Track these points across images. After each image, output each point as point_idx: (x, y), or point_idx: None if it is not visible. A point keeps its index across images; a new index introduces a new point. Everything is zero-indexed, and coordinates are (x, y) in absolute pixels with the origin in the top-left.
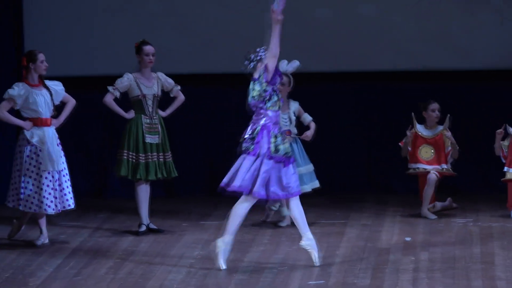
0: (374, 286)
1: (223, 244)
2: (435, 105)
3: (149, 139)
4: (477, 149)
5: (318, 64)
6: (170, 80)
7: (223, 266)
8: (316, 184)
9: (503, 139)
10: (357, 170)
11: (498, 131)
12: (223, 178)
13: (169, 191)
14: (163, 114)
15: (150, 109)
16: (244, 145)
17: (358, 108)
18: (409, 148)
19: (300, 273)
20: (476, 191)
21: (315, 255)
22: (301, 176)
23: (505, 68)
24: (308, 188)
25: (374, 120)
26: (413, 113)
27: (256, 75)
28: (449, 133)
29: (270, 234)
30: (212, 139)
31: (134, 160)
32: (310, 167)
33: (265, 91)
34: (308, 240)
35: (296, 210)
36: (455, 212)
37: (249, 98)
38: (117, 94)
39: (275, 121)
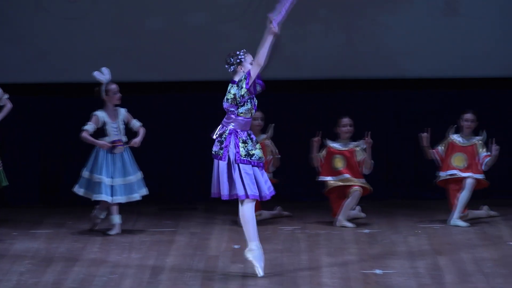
0: None
1: (252, 253)
2: (257, 114)
3: None
4: (304, 158)
5: (149, 74)
6: None
7: (261, 273)
8: (145, 191)
9: (319, 150)
10: (187, 178)
11: (313, 139)
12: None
13: None
14: None
15: None
16: (214, 149)
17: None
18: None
19: (130, 281)
20: (302, 199)
21: (257, 267)
22: (131, 184)
23: (335, 78)
24: (137, 196)
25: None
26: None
27: (236, 78)
28: (270, 143)
29: (99, 243)
30: (45, 150)
31: None
32: (140, 174)
33: (242, 96)
34: (250, 251)
35: (249, 214)
36: (283, 220)
37: (224, 100)
38: None
39: (243, 127)
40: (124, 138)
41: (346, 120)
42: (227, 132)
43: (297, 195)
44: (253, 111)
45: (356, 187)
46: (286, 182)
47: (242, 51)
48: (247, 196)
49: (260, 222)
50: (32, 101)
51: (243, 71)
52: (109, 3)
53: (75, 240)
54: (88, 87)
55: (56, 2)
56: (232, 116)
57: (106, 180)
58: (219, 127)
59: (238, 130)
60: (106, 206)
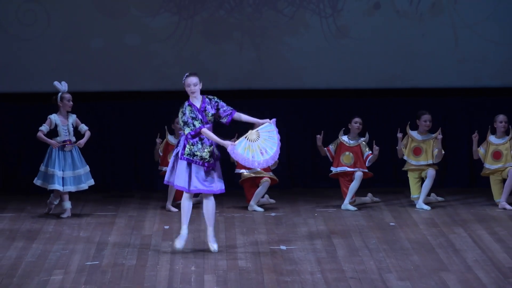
0: (139, 265)
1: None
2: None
3: None
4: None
5: (91, 84)
6: None
7: (177, 246)
8: (91, 182)
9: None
10: (126, 171)
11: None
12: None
13: None
14: None
15: None
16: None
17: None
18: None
19: (79, 255)
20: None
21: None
22: (79, 176)
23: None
24: (85, 186)
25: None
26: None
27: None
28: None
29: (53, 224)
30: (3, 145)
31: None
32: (87, 168)
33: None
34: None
35: (208, 205)
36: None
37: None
38: None
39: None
40: (73, 139)
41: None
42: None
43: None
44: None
45: (266, 178)
46: None
47: (185, 74)
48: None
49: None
50: None
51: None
52: (58, 26)
53: (34, 222)
54: (43, 96)
55: (14, 25)
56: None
57: (58, 172)
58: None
59: (189, 135)
60: (59, 194)
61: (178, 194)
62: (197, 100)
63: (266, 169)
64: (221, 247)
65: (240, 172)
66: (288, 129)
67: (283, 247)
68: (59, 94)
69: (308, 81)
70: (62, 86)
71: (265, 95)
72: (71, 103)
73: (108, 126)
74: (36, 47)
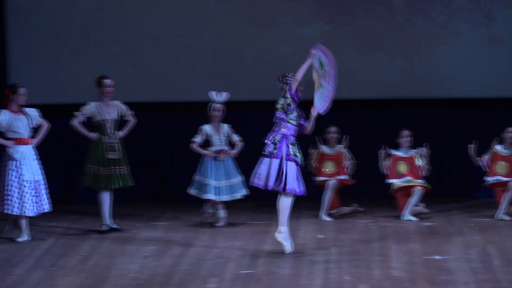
0: (293, 275)
1: (281, 234)
2: (333, 128)
3: (111, 155)
4: (373, 164)
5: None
6: (125, 107)
7: (289, 249)
8: (245, 191)
9: (385, 158)
10: None
11: (380, 151)
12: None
13: (126, 197)
14: (120, 134)
15: (110, 131)
16: (268, 149)
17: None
18: (314, 164)
19: (234, 264)
20: (374, 197)
21: (285, 245)
22: (234, 186)
23: (397, 98)
24: (239, 195)
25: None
26: (317, 137)
27: (282, 92)
28: (346, 151)
29: (209, 233)
30: (159, 155)
31: (96, 172)
32: (241, 177)
33: (288, 105)
34: (279, 233)
35: (283, 203)
36: (359, 214)
37: (275, 111)
38: (82, 118)
39: (292, 132)
40: (227, 148)
41: (406, 132)
42: (280, 136)
43: (370, 194)
44: (299, 120)
45: (419, 186)
46: (361, 183)
47: (291, 74)
48: (284, 189)
49: (340, 216)
50: (150, 116)
51: (288, 87)
52: (209, 35)
53: (188, 231)
54: (196, 105)
55: (167, 36)
56: (283, 123)
57: (212, 182)
58: (270, 133)
59: (288, 135)
60: (213, 203)
61: (333, 203)
62: None
63: (418, 177)
64: (376, 256)
65: (392, 182)
66: (438, 138)
67: (437, 257)
68: (210, 104)
69: (457, 91)
70: (217, 96)
71: (414, 104)
72: (220, 113)
73: (262, 134)
74: (188, 57)
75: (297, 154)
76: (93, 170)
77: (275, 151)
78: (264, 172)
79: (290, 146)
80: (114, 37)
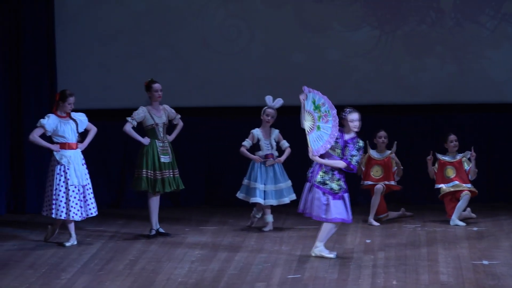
0: (341, 280)
1: (316, 248)
2: (382, 133)
3: (163, 159)
4: (422, 169)
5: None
6: (173, 111)
7: (333, 255)
8: (293, 196)
9: (433, 163)
10: None
11: (428, 158)
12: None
13: (174, 202)
14: (170, 138)
15: (161, 135)
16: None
17: None
18: (362, 168)
19: (281, 268)
20: (422, 202)
21: (328, 255)
22: (281, 190)
23: (448, 103)
24: (287, 200)
25: None
26: (367, 141)
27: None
28: (394, 156)
29: (256, 237)
30: (208, 159)
31: (152, 177)
32: (289, 183)
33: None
34: (316, 247)
35: (326, 225)
36: (407, 219)
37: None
38: (135, 123)
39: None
40: (275, 153)
41: (452, 137)
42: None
43: (418, 199)
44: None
45: (466, 191)
46: (409, 188)
47: (348, 109)
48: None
49: (388, 221)
50: (199, 121)
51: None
52: (259, 40)
53: (236, 235)
54: (243, 110)
55: (217, 40)
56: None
57: (260, 186)
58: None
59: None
60: (261, 207)
61: (380, 208)
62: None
63: (466, 181)
64: (423, 261)
65: (439, 187)
66: (488, 142)
67: (485, 262)
68: (264, 108)
69: (508, 95)
70: (272, 101)
71: (465, 109)
72: (272, 118)
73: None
74: (238, 62)
75: (327, 182)
76: (149, 175)
77: (309, 175)
78: (303, 194)
79: (321, 173)
80: (163, 41)
